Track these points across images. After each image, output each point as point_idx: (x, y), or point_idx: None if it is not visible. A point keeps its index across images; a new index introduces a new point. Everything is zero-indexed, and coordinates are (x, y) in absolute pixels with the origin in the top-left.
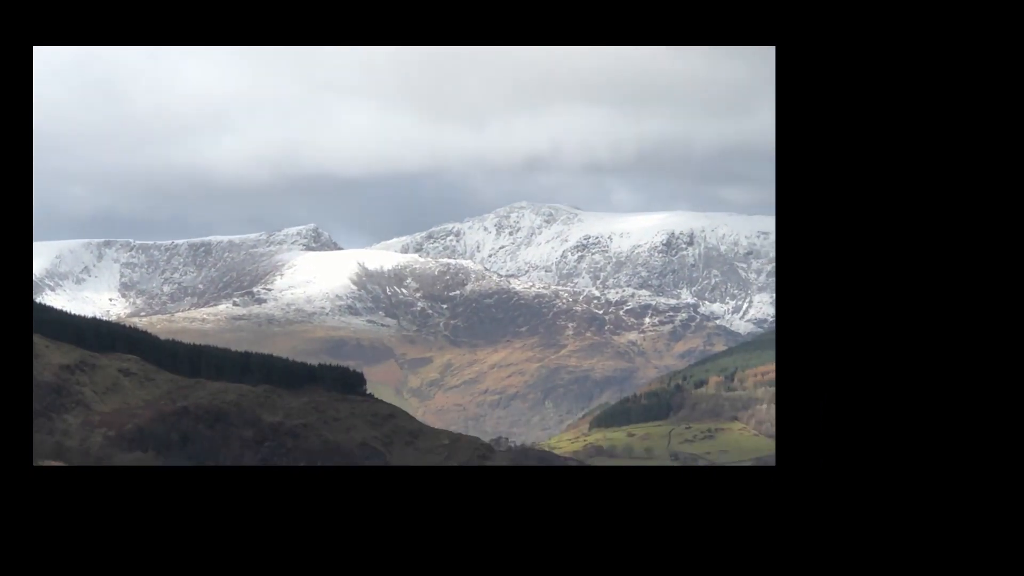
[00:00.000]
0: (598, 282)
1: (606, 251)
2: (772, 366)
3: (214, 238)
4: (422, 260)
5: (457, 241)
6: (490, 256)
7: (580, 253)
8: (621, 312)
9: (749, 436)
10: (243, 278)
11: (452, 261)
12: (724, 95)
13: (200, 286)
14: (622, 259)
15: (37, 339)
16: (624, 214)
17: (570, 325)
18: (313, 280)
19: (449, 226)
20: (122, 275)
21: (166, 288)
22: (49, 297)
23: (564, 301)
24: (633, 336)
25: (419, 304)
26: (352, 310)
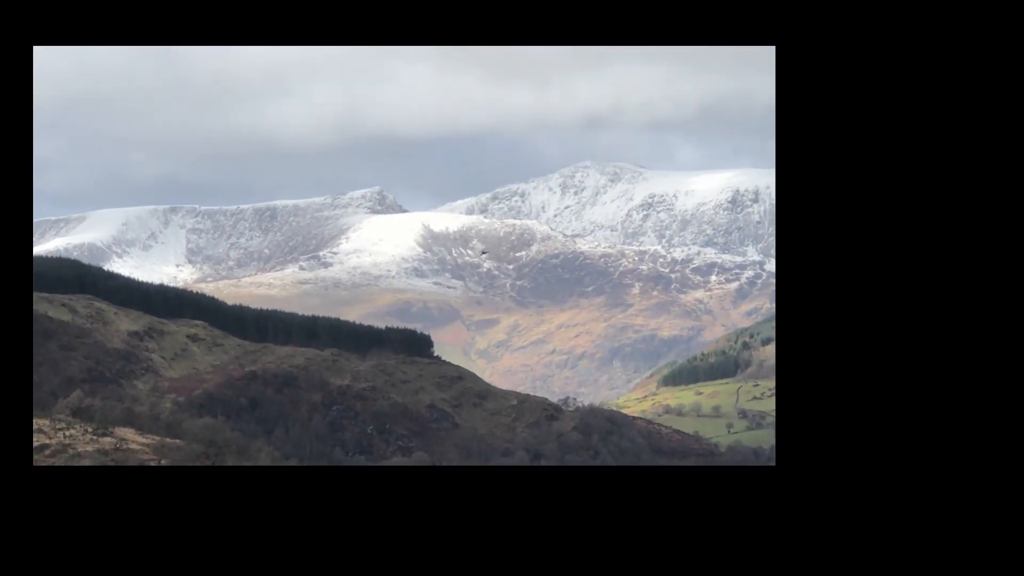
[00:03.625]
0: (664, 240)
1: (671, 209)
2: None
3: (279, 202)
4: (487, 221)
5: (522, 201)
6: (555, 216)
7: (645, 212)
8: (687, 270)
9: None
10: (309, 242)
11: (517, 222)
12: None
13: (266, 251)
14: (687, 217)
15: (106, 306)
16: (689, 172)
17: (636, 284)
18: (379, 243)
19: (514, 187)
20: (188, 241)
21: (232, 253)
22: (116, 264)
23: (630, 260)
24: (699, 294)
25: (485, 265)
26: (418, 272)
